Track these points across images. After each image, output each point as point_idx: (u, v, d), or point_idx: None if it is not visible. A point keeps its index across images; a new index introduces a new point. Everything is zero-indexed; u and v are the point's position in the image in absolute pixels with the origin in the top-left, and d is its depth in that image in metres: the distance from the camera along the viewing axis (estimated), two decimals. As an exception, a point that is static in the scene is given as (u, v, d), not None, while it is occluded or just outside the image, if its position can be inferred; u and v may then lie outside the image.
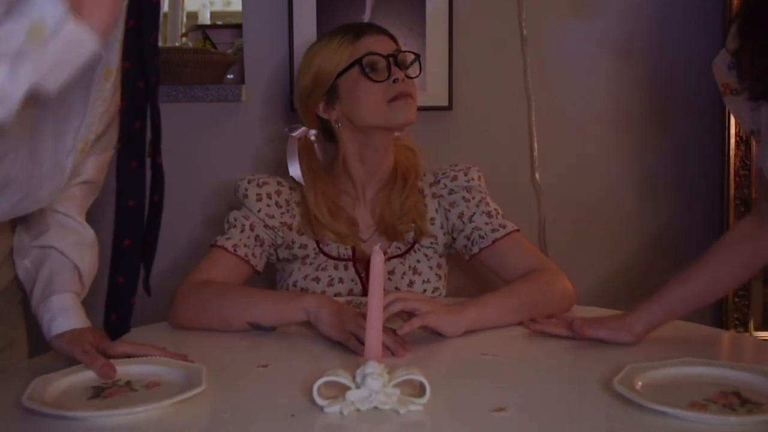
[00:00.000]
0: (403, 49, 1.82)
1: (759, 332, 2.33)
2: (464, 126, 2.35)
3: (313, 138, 1.85)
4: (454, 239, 1.87)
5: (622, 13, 2.35)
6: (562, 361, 1.41)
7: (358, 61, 1.76)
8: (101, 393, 1.21)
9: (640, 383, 1.19)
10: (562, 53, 2.36)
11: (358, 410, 1.13)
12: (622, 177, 2.39)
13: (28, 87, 0.87)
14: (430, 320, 1.50)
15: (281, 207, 1.81)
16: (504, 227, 1.81)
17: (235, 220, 1.79)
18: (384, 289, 1.21)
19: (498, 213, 1.84)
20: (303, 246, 1.82)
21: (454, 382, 1.30)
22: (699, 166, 2.38)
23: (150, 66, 1.29)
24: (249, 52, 2.34)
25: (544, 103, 2.35)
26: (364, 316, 1.32)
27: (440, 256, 1.89)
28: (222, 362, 1.37)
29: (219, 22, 3.08)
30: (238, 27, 2.46)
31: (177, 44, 2.71)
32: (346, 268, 1.83)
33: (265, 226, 1.79)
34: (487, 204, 1.85)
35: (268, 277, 1.94)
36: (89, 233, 1.52)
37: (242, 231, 1.77)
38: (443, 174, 1.89)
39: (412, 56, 1.82)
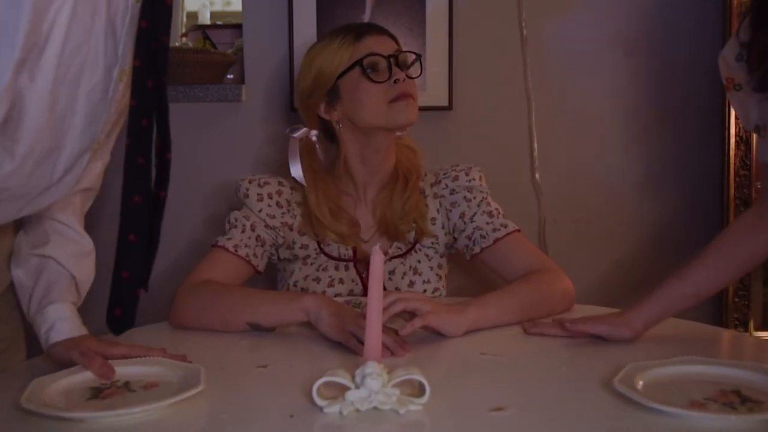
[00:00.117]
0: (404, 49, 1.82)
1: (759, 332, 2.33)
2: (464, 126, 2.35)
3: (314, 138, 1.85)
4: (455, 239, 1.87)
5: (622, 13, 2.35)
6: (562, 361, 1.40)
7: (359, 62, 1.75)
8: (99, 394, 1.21)
9: (640, 382, 1.19)
10: (562, 53, 2.36)
11: (357, 410, 1.13)
12: (622, 177, 2.39)
13: None
14: (431, 320, 1.50)
15: (282, 207, 1.81)
16: (505, 227, 1.81)
17: (236, 220, 1.79)
18: (384, 290, 1.21)
19: (499, 213, 1.84)
20: (304, 246, 1.82)
21: (454, 381, 1.30)
22: (699, 166, 2.38)
23: (162, 65, 1.30)
24: (249, 52, 2.34)
25: (544, 103, 2.35)
26: (364, 316, 1.32)
27: (441, 257, 1.88)
28: (221, 362, 1.37)
29: (219, 22, 3.08)
30: (238, 27, 2.46)
31: (177, 44, 2.71)
32: (346, 268, 1.83)
33: (266, 226, 1.79)
34: (489, 204, 1.84)
35: (269, 277, 1.94)
36: (88, 243, 1.53)
37: (243, 231, 1.77)
38: (444, 174, 1.89)
39: (413, 56, 1.81)
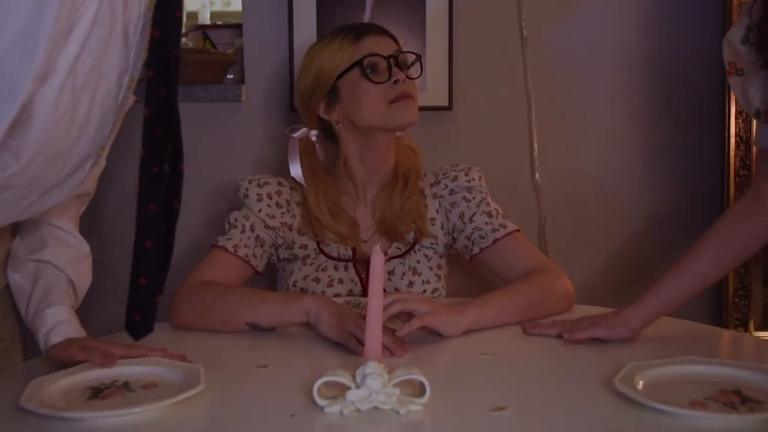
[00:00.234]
0: (404, 49, 1.82)
1: (759, 332, 2.33)
2: (464, 126, 2.35)
3: (314, 139, 1.85)
4: (454, 239, 1.86)
5: (622, 14, 2.35)
6: (562, 360, 1.40)
7: (358, 63, 1.75)
8: (99, 394, 1.21)
9: (640, 382, 1.19)
10: (562, 53, 2.36)
11: (358, 410, 1.13)
12: (622, 177, 2.39)
13: None
14: (430, 320, 1.49)
15: (282, 207, 1.81)
16: (504, 227, 1.81)
17: (236, 220, 1.79)
18: (384, 290, 1.21)
19: (498, 213, 1.84)
20: (303, 246, 1.82)
21: (454, 381, 1.30)
22: (699, 166, 2.38)
23: (174, 77, 1.31)
24: (249, 52, 2.34)
25: (544, 103, 2.35)
26: (363, 316, 1.32)
27: (440, 257, 1.88)
28: (221, 362, 1.37)
29: (219, 22, 3.08)
30: (238, 27, 2.46)
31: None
32: (346, 268, 1.83)
33: (266, 226, 1.79)
34: (488, 204, 1.84)
35: (269, 277, 1.94)
36: (84, 247, 1.54)
37: (243, 231, 1.77)
38: (444, 174, 1.88)
39: (413, 57, 1.81)
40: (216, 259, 1.74)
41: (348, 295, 1.81)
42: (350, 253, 1.83)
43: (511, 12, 2.33)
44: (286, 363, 1.40)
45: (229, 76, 2.44)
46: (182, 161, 1.35)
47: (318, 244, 1.83)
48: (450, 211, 1.86)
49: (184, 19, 3.04)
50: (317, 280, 1.82)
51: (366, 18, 2.28)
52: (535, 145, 2.35)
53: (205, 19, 3.17)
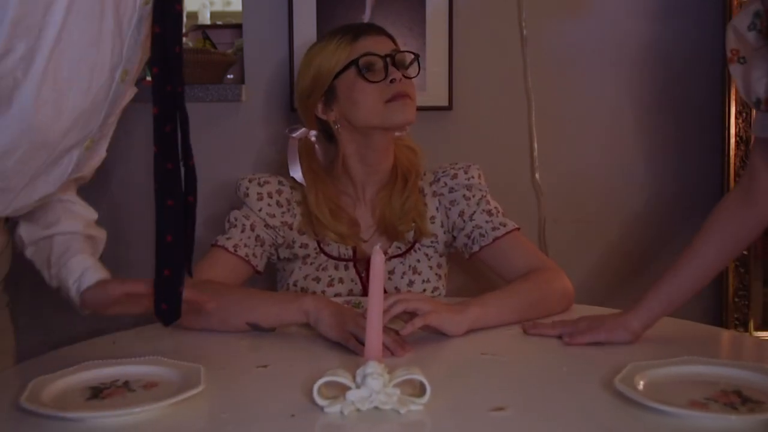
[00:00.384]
0: (402, 49, 1.82)
1: (759, 332, 2.33)
2: (464, 126, 2.35)
3: (313, 139, 1.85)
4: (454, 238, 1.86)
5: (621, 14, 2.35)
6: (562, 361, 1.40)
7: (354, 62, 1.75)
8: (99, 394, 1.21)
9: (641, 382, 1.19)
10: (562, 53, 2.36)
11: (358, 410, 1.12)
12: (622, 177, 2.39)
13: None
14: (432, 319, 1.49)
15: (282, 206, 1.81)
16: (504, 226, 1.81)
17: (236, 219, 1.79)
18: (384, 290, 1.21)
19: (498, 211, 1.84)
20: (304, 245, 1.82)
21: (455, 381, 1.30)
22: (699, 166, 2.38)
23: (176, 74, 1.31)
24: (249, 52, 2.34)
25: (544, 103, 2.35)
26: (364, 316, 1.32)
27: (440, 256, 1.88)
28: (222, 362, 1.37)
29: (219, 22, 3.09)
30: (238, 27, 2.46)
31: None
32: (346, 268, 1.83)
33: (266, 225, 1.79)
34: (488, 202, 1.84)
35: (269, 277, 1.94)
36: (93, 213, 1.58)
37: (243, 231, 1.77)
38: (443, 172, 1.88)
39: (411, 56, 1.81)
40: (216, 259, 1.74)
41: (348, 295, 1.81)
42: (351, 252, 1.83)
43: (511, 12, 2.33)
44: (286, 363, 1.40)
45: (229, 76, 2.44)
46: (191, 157, 1.36)
47: (318, 243, 1.83)
48: (450, 209, 1.86)
49: (185, 18, 3.05)
50: (317, 279, 1.82)
51: (366, 18, 2.28)
52: (535, 145, 2.35)
53: (205, 19, 3.17)
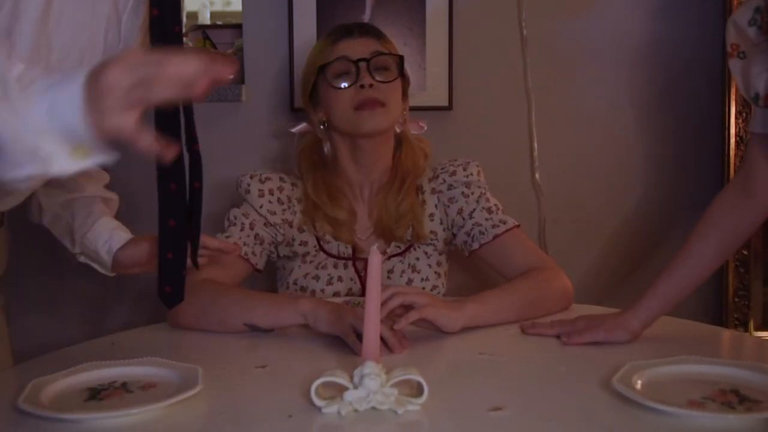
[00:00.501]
0: (387, 51, 1.79)
1: (759, 332, 2.33)
2: (464, 126, 2.35)
3: (320, 135, 1.86)
4: (454, 235, 1.86)
5: (621, 14, 2.35)
6: (560, 360, 1.40)
7: (323, 67, 1.77)
8: (97, 395, 1.20)
9: (639, 382, 1.19)
10: (562, 53, 2.36)
11: (355, 410, 1.12)
12: (622, 177, 2.39)
13: None
14: (428, 313, 1.49)
15: (283, 203, 1.81)
16: (504, 223, 1.81)
17: (235, 218, 1.79)
18: (382, 285, 1.21)
19: (498, 209, 1.83)
20: (303, 243, 1.82)
21: (452, 381, 1.30)
22: (699, 166, 2.38)
23: None
24: (249, 52, 2.34)
25: (544, 103, 2.35)
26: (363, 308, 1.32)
27: (440, 254, 1.88)
28: (220, 363, 1.37)
29: (219, 22, 3.08)
30: (238, 27, 2.46)
31: (177, 45, 2.71)
32: (345, 266, 1.83)
33: (266, 223, 1.79)
34: (487, 200, 1.84)
35: (269, 275, 1.94)
36: (105, 174, 1.65)
37: (242, 229, 1.77)
38: (442, 169, 1.88)
39: (390, 59, 1.79)
40: (215, 257, 1.74)
41: (347, 294, 1.81)
42: (350, 251, 1.83)
43: (511, 12, 2.33)
44: (284, 363, 1.40)
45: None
46: (197, 142, 1.36)
47: (318, 240, 1.82)
48: (449, 206, 1.85)
49: (185, 17, 3.05)
50: (317, 278, 1.82)
51: (366, 18, 2.28)
52: (535, 145, 2.35)
53: (205, 19, 3.16)
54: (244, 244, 1.76)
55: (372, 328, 1.15)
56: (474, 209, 1.83)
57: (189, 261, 1.44)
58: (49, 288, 2.34)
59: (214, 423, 1.13)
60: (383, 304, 1.43)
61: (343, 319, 1.45)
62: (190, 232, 1.42)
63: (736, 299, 2.32)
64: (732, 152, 2.30)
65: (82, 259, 1.58)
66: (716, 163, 2.34)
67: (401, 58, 1.81)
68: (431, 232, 1.85)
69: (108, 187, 1.63)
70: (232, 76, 1.11)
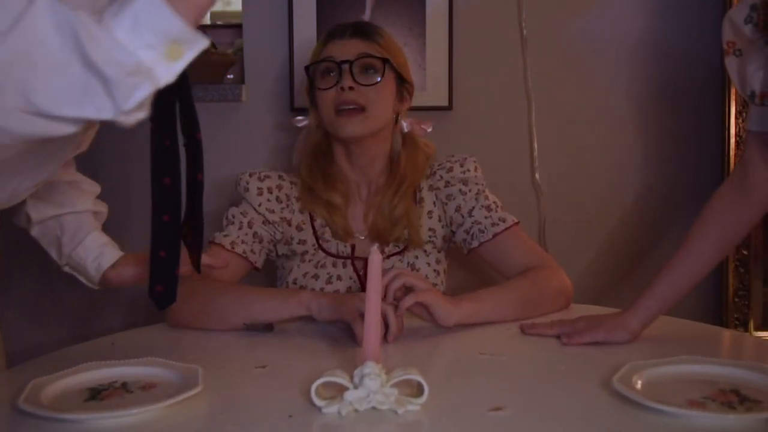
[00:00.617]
0: (374, 53, 1.77)
1: (759, 332, 2.33)
2: (464, 126, 2.35)
3: (314, 135, 1.87)
4: (453, 233, 1.86)
5: (621, 13, 2.35)
6: (560, 360, 1.40)
7: (309, 66, 1.79)
8: (97, 395, 1.21)
9: (639, 382, 1.19)
10: (562, 53, 2.35)
11: (356, 410, 1.12)
12: (622, 177, 2.39)
13: None
14: (426, 297, 1.50)
15: (282, 202, 1.81)
16: (504, 221, 1.80)
17: (233, 217, 1.79)
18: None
19: (497, 206, 1.83)
20: (302, 242, 1.82)
21: (452, 381, 1.30)
22: (699, 166, 2.38)
23: None
24: (249, 52, 2.34)
25: (544, 103, 2.35)
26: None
27: (439, 251, 1.87)
28: (220, 363, 1.37)
29: (219, 22, 3.08)
30: (238, 27, 2.46)
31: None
32: (344, 265, 1.83)
33: (265, 221, 1.79)
34: (486, 197, 1.84)
35: (269, 274, 1.94)
36: (96, 186, 1.62)
37: (240, 228, 1.78)
38: (439, 165, 1.87)
39: (373, 61, 1.76)
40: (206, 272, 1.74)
41: (347, 292, 1.81)
42: (349, 250, 1.83)
43: (511, 12, 2.33)
44: (284, 363, 1.40)
45: (229, 76, 2.44)
46: (198, 129, 1.33)
47: (317, 239, 1.82)
48: (446, 204, 1.85)
49: None
50: (316, 276, 1.82)
51: (366, 18, 2.28)
52: (535, 145, 2.35)
53: (205, 19, 3.16)
54: (243, 242, 1.76)
55: (372, 327, 1.15)
56: (473, 207, 1.82)
57: (190, 264, 1.43)
58: (39, 290, 2.33)
59: (214, 423, 1.13)
60: (386, 286, 1.49)
61: (347, 304, 1.47)
62: (193, 229, 1.40)
63: (736, 299, 2.32)
64: (732, 152, 2.30)
65: (66, 269, 1.56)
66: (716, 163, 2.34)
67: (384, 60, 1.77)
68: (430, 229, 1.85)
69: (99, 197, 1.61)
70: None
